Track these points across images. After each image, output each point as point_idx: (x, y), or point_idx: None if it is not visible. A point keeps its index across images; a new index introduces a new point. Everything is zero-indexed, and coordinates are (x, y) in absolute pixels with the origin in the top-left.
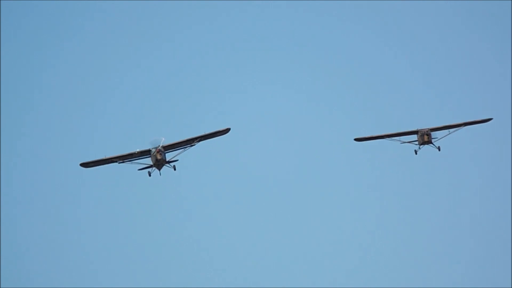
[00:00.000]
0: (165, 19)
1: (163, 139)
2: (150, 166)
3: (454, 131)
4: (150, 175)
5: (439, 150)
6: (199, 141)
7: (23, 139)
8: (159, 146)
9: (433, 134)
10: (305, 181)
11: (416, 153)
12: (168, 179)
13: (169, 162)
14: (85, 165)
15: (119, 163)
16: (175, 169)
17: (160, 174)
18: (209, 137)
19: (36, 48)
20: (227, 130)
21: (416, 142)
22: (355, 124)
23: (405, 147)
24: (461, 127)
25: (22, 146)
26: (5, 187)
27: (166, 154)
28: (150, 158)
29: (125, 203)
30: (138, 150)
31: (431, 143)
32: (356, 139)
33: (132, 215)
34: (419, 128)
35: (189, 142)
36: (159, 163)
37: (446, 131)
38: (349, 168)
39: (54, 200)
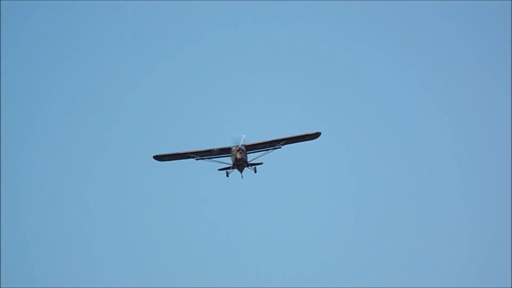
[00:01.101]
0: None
1: (244, 136)
2: (229, 167)
3: None
4: (227, 176)
5: None
6: (284, 143)
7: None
8: (239, 144)
9: None
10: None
11: None
12: (247, 182)
13: (251, 164)
14: (158, 158)
15: (196, 159)
16: (255, 172)
17: (242, 176)
18: (296, 141)
19: (37, 49)
20: (317, 135)
21: None
22: None
23: None
24: None
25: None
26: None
27: (248, 155)
28: (230, 158)
29: (194, 201)
30: (217, 147)
31: None
32: None
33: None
34: None
35: (274, 143)
36: (239, 163)
37: None
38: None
39: (123, 193)
